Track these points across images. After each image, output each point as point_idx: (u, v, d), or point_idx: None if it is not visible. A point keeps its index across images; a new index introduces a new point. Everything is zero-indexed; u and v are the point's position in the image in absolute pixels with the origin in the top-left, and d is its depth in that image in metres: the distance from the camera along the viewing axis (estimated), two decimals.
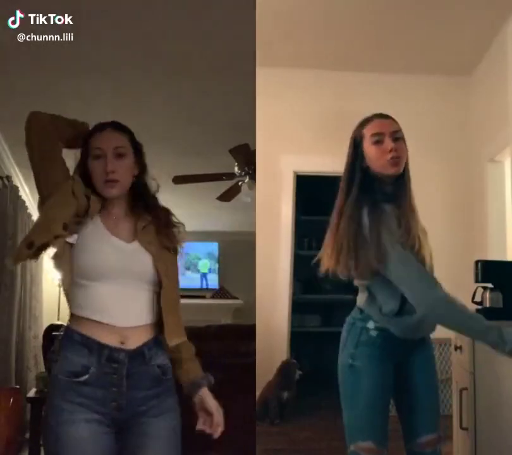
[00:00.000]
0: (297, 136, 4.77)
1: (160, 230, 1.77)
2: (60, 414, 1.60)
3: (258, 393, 4.17)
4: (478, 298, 3.02)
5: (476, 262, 3.03)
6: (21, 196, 5.11)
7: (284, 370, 4.41)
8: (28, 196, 5.81)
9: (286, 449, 3.76)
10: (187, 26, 3.04)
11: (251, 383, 3.17)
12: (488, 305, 2.94)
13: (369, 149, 1.94)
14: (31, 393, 3.91)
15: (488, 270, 3.01)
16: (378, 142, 1.91)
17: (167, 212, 1.83)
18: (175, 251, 1.80)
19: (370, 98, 4.52)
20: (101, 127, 1.77)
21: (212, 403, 1.74)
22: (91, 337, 1.64)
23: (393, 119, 1.98)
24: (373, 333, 1.98)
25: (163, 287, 1.71)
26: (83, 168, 1.74)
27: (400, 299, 1.94)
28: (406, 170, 1.97)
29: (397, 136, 1.92)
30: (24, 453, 3.86)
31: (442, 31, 3.99)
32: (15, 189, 4.89)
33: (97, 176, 1.71)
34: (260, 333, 3.45)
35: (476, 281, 3.00)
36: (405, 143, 1.96)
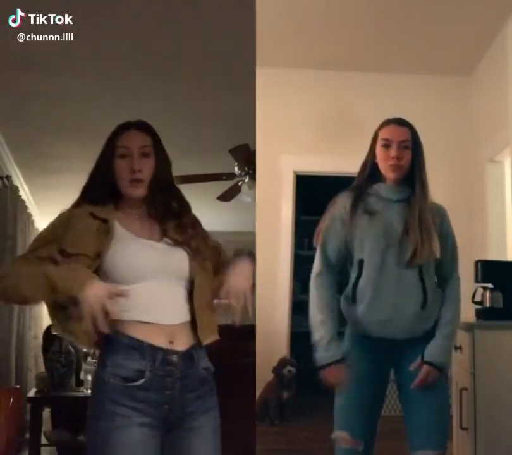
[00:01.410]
0: (297, 136, 4.77)
1: (185, 230, 1.75)
2: (114, 419, 1.56)
3: (258, 393, 4.17)
4: (478, 298, 3.02)
5: (476, 262, 3.04)
6: (21, 196, 5.11)
7: (277, 369, 4.41)
8: (28, 196, 5.81)
9: (286, 449, 3.76)
10: (187, 26, 3.04)
11: (251, 383, 3.17)
12: (488, 305, 2.95)
13: (378, 150, 2.10)
14: (31, 393, 3.91)
15: (488, 270, 3.01)
16: (386, 146, 2.07)
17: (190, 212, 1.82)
18: (207, 250, 1.78)
19: (370, 98, 4.52)
20: (127, 126, 1.77)
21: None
22: (142, 340, 1.61)
23: (409, 127, 2.12)
24: (353, 328, 2.09)
25: (196, 285, 1.70)
26: (105, 165, 1.73)
27: (352, 285, 2.05)
28: (417, 179, 2.08)
29: (405, 145, 2.08)
30: (24, 453, 3.86)
31: (442, 31, 3.99)
32: (15, 189, 4.89)
33: (122, 175, 1.71)
34: (260, 333, 3.45)
35: (476, 281, 3.00)
36: (420, 152, 2.11)
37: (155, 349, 1.61)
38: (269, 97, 4.42)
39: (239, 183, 4.79)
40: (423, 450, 1.97)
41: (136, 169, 1.70)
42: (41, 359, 4.72)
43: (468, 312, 3.08)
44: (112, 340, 1.61)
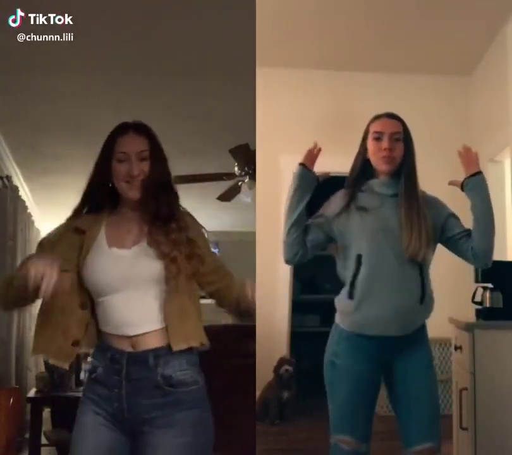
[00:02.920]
0: (297, 136, 4.76)
1: (169, 233, 1.72)
2: (80, 406, 1.74)
3: (258, 393, 4.17)
4: (478, 298, 3.02)
5: None
6: (21, 196, 5.11)
7: (276, 369, 4.41)
8: (28, 196, 5.81)
9: (286, 449, 3.76)
10: (187, 26, 3.04)
11: (251, 383, 3.17)
12: (488, 305, 2.94)
13: (370, 144, 2.10)
14: (31, 393, 3.91)
15: (488, 270, 3.00)
16: (377, 139, 2.07)
17: (182, 216, 1.79)
18: (189, 257, 1.73)
19: (370, 98, 4.52)
20: (124, 129, 1.78)
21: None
22: (108, 343, 1.71)
23: (400, 121, 2.11)
24: (347, 326, 2.07)
25: (166, 290, 1.68)
26: (104, 168, 1.76)
27: (351, 280, 2.03)
28: (405, 171, 2.07)
29: (397, 137, 2.07)
30: (24, 453, 3.86)
31: (442, 31, 3.99)
32: (15, 189, 4.89)
33: (120, 178, 1.74)
34: (260, 333, 3.45)
35: (476, 281, 3.00)
36: (411, 145, 2.10)
37: (110, 348, 1.69)
38: (269, 97, 4.42)
39: (239, 183, 4.79)
40: (423, 444, 1.98)
41: (134, 174, 1.73)
42: (41, 359, 4.72)
43: (468, 312, 3.08)
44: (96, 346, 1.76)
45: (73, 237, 1.76)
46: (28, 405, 3.86)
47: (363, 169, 2.12)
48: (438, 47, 4.22)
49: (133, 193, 1.74)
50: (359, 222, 2.04)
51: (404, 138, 2.08)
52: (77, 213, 1.80)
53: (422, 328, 2.10)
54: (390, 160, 2.06)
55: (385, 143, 2.05)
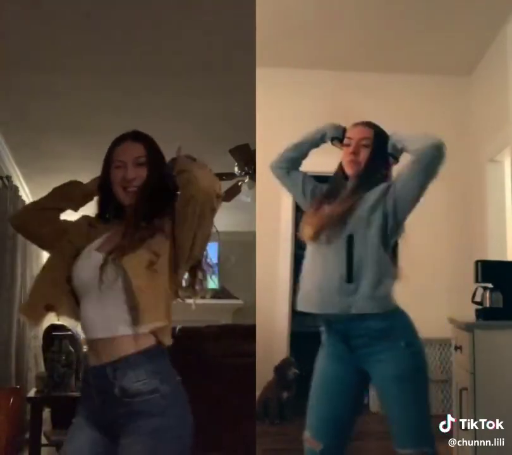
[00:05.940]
0: (297, 136, 4.77)
1: (144, 239, 1.69)
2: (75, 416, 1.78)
3: (258, 393, 4.17)
4: (478, 298, 3.02)
5: (476, 262, 3.04)
6: (21, 196, 5.10)
7: (280, 369, 4.41)
8: (28, 196, 5.81)
9: (286, 449, 3.76)
10: (187, 26, 3.04)
11: (251, 383, 3.17)
12: (488, 305, 2.95)
13: (343, 149, 2.20)
14: (31, 393, 3.91)
15: (488, 270, 3.01)
16: (348, 145, 2.17)
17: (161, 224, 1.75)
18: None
19: (370, 98, 4.52)
20: (122, 139, 1.80)
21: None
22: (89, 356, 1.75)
23: (374, 129, 2.16)
24: (322, 326, 2.12)
25: (133, 288, 1.63)
26: (105, 178, 1.79)
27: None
28: (363, 176, 2.12)
29: (364, 143, 2.14)
30: (24, 453, 3.86)
31: (442, 31, 4.00)
32: (15, 189, 4.88)
33: (117, 184, 1.76)
34: (260, 333, 3.45)
35: (476, 281, 3.01)
36: (378, 152, 2.12)
37: (87, 362, 1.75)
38: (269, 97, 4.42)
39: (239, 183, 4.79)
40: (407, 448, 1.97)
41: (129, 178, 1.74)
42: (41, 359, 4.72)
43: (468, 312, 3.08)
44: None
45: (83, 227, 1.82)
46: (28, 405, 3.86)
47: (340, 175, 2.21)
48: (438, 47, 4.23)
49: (127, 198, 1.76)
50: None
51: (373, 144, 2.12)
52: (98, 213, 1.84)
53: (392, 326, 1.98)
54: (354, 164, 2.13)
55: (351, 148, 2.14)
